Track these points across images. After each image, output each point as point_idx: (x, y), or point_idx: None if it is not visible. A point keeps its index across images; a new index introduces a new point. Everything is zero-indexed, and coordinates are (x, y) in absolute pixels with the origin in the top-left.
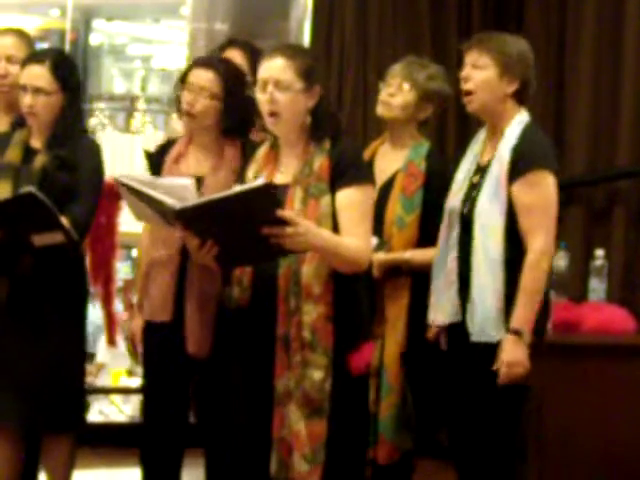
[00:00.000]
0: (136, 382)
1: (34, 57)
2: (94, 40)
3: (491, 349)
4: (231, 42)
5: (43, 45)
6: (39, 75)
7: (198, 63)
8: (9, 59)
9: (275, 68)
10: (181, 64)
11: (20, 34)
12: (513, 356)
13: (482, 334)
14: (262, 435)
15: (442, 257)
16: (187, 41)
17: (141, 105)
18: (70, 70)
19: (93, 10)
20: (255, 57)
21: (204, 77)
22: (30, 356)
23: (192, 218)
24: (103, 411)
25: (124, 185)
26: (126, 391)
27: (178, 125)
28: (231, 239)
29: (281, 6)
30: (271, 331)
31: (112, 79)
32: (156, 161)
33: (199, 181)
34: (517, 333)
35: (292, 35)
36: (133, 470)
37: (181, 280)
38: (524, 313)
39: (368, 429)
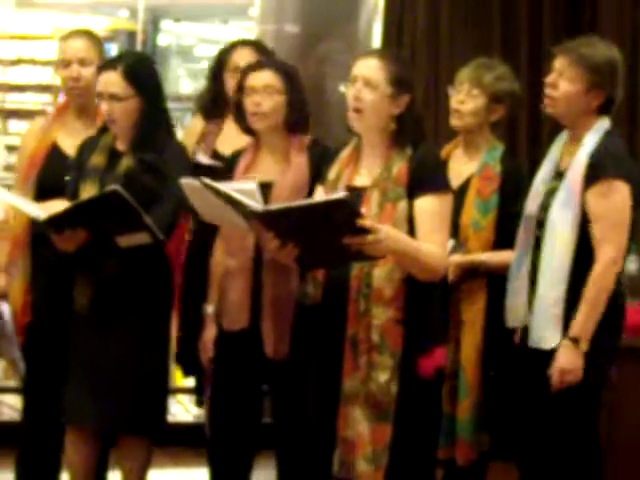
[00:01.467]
0: None
1: (108, 63)
2: (162, 41)
3: (548, 355)
4: (242, 42)
5: (112, 46)
6: (113, 81)
7: (251, 67)
8: (81, 62)
9: (368, 67)
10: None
11: (90, 36)
12: (567, 363)
13: (539, 339)
14: (328, 434)
15: (518, 261)
16: None
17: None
18: (146, 73)
19: (162, 11)
20: (267, 56)
21: (264, 77)
22: (113, 358)
23: (274, 221)
24: (170, 411)
25: (209, 187)
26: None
27: (198, 126)
28: (311, 243)
29: (350, 7)
30: (341, 331)
31: (179, 80)
32: (225, 176)
33: (269, 187)
34: (574, 341)
35: (361, 37)
36: (200, 470)
37: (256, 288)
38: (584, 322)
39: (437, 432)
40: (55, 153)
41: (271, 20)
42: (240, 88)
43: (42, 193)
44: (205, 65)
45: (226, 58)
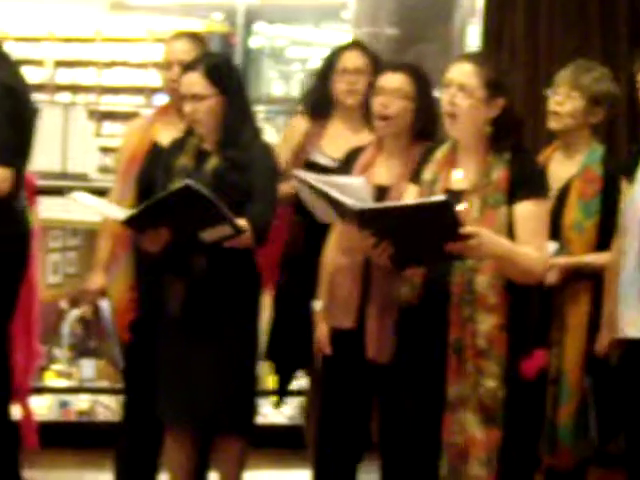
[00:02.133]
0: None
1: (189, 64)
2: (255, 43)
3: None
4: (352, 44)
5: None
6: (194, 82)
7: (387, 67)
8: (182, 64)
9: (462, 72)
10: None
11: (193, 38)
12: None
13: None
14: (432, 440)
15: (629, 266)
16: None
17: (301, 107)
18: (227, 73)
19: (255, 13)
20: (374, 60)
21: (396, 79)
22: (205, 359)
23: (370, 220)
24: (262, 412)
25: (303, 181)
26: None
27: (302, 125)
28: (407, 242)
29: (444, 10)
30: (442, 336)
31: (271, 82)
32: (343, 170)
33: (384, 190)
34: None
35: (455, 39)
36: (295, 472)
37: (366, 287)
38: None
39: (539, 435)
40: (156, 152)
41: (366, 23)
42: (371, 86)
43: (142, 192)
44: (296, 67)
45: (335, 60)
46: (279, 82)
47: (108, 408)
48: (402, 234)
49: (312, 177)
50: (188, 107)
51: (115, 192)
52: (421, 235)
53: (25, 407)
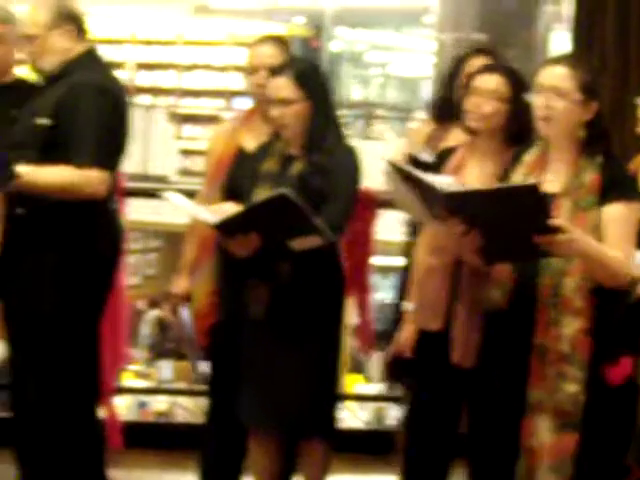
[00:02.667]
0: (371, 389)
1: (277, 69)
2: (335, 47)
3: None
4: (479, 50)
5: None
6: (282, 86)
7: (483, 69)
8: (267, 68)
9: (556, 75)
10: (422, 72)
11: (278, 42)
12: None
13: None
14: (511, 443)
15: None
16: (435, 50)
17: (380, 112)
18: (315, 78)
19: (336, 17)
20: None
21: (492, 80)
22: (289, 363)
23: (460, 205)
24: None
25: (394, 167)
26: (363, 398)
27: (425, 129)
28: (496, 233)
29: (527, 15)
30: (527, 339)
31: (349, 86)
32: (433, 171)
33: None
34: None
35: (538, 44)
36: (375, 477)
37: (455, 289)
38: None
39: (626, 443)
40: (241, 157)
41: (449, 28)
42: (467, 87)
43: (229, 196)
44: (375, 72)
45: (460, 66)
46: (358, 86)
47: (187, 409)
48: (491, 222)
49: (404, 165)
50: (275, 111)
51: (202, 196)
52: (510, 224)
53: (110, 407)
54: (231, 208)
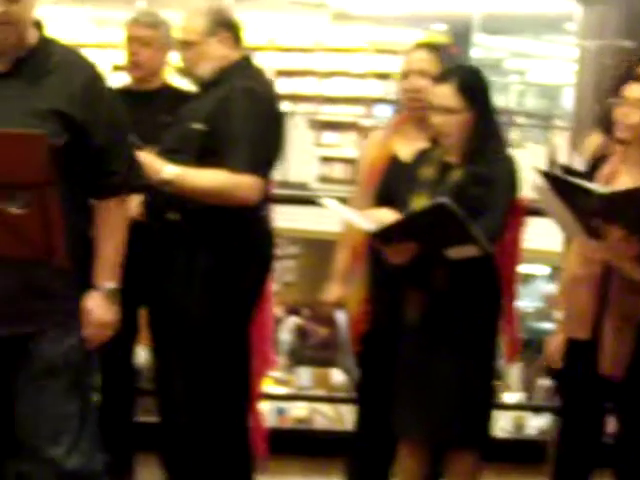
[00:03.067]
0: (511, 398)
1: (441, 76)
2: (474, 54)
3: None
4: None
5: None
6: (446, 95)
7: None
8: (421, 74)
9: None
10: (562, 80)
11: (432, 48)
12: None
13: None
14: None
15: None
16: (577, 57)
17: (519, 120)
18: (479, 87)
19: (476, 24)
20: None
21: (638, 90)
22: (444, 371)
23: (617, 208)
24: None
25: (548, 176)
26: (504, 407)
27: (561, 141)
28: None
29: None
30: None
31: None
32: (588, 177)
33: None
34: None
35: None
36: None
37: (604, 300)
38: None
39: None
40: (394, 164)
41: (592, 35)
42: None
43: (381, 203)
44: (514, 79)
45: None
46: (497, 94)
47: (325, 416)
48: None
49: (558, 173)
50: (437, 119)
51: (354, 203)
52: None
53: (256, 414)
54: (385, 214)
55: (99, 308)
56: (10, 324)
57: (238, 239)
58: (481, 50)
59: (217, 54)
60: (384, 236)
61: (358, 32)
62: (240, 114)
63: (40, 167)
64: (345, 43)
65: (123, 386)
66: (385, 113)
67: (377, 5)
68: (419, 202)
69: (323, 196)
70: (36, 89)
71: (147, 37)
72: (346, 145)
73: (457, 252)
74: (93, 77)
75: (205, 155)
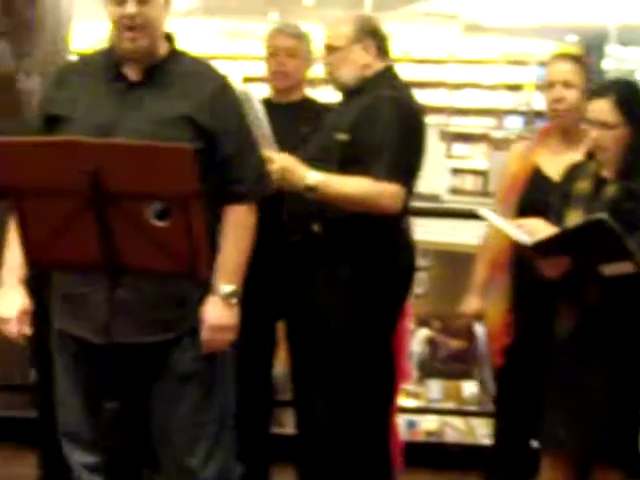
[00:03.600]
0: None
1: (599, 91)
2: (605, 65)
3: None
4: None
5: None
6: (604, 109)
7: None
8: (565, 84)
9: None
10: None
11: (577, 60)
12: None
13: None
14: None
15: None
16: None
17: None
18: (636, 102)
19: (610, 35)
20: None
21: None
22: (596, 386)
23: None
24: None
25: None
26: None
27: None
28: None
29: None
30: None
31: None
32: None
33: None
34: None
35: None
36: None
37: None
38: None
39: None
40: (537, 176)
41: None
42: None
43: (522, 215)
44: None
45: None
46: None
47: (456, 429)
48: None
49: None
50: (594, 133)
51: (495, 214)
52: None
53: (394, 427)
54: (537, 224)
55: (216, 312)
56: (152, 332)
57: (380, 250)
58: (613, 61)
59: (359, 61)
60: (541, 249)
61: (490, 43)
62: (385, 123)
63: (187, 180)
64: (477, 54)
65: (261, 398)
66: (516, 124)
67: (509, 16)
68: (573, 217)
69: (478, 209)
70: (166, 97)
71: (293, 48)
72: (477, 157)
73: (612, 269)
74: (223, 87)
75: (347, 164)
